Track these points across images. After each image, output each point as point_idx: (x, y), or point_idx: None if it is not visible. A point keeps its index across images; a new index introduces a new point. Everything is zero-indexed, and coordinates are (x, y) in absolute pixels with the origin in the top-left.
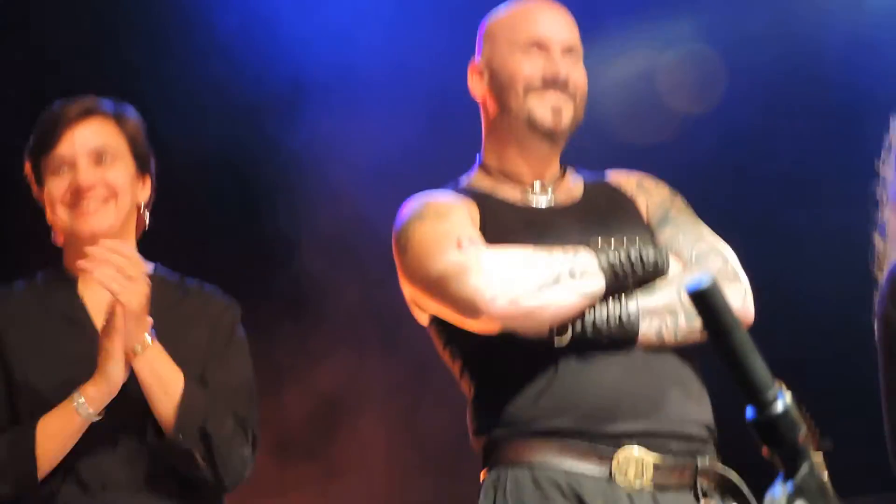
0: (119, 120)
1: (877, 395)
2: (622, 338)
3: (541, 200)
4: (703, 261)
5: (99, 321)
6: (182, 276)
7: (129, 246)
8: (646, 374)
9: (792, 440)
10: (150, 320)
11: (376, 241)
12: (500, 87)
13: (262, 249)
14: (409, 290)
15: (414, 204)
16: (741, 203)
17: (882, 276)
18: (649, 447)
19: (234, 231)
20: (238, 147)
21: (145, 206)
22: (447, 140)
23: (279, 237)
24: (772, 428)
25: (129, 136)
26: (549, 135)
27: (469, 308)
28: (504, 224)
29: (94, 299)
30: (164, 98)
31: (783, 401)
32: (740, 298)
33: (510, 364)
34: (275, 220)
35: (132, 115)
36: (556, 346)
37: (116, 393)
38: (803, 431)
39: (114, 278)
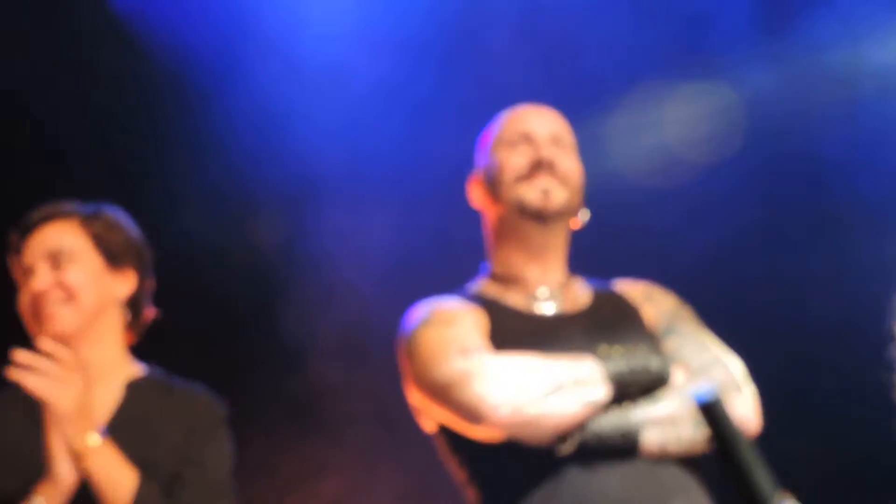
0: (85, 220)
1: None
2: (625, 447)
3: (547, 307)
4: (708, 371)
5: None
6: (171, 377)
7: (60, 347)
8: (649, 485)
9: None
10: (95, 420)
11: (385, 345)
12: (492, 183)
13: (271, 352)
14: (415, 397)
15: (421, 310)
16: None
17: None
18: None
19: (242, 332)
20: (246, 245)
21: (131, 303)
22: (456, 238)
23: (287, 340)
24: None
25: (94, 234)
26: (539, 216)
27: (473, 415)
28: (510, 331)
29: None
30: (173, 197)
31: None
32: (745, 408)
33: (514, 472)
34: (283, 321)
35: (107, 214)
36: (559, 454)
37: (70, 491)
38: None
39: (40, 383)
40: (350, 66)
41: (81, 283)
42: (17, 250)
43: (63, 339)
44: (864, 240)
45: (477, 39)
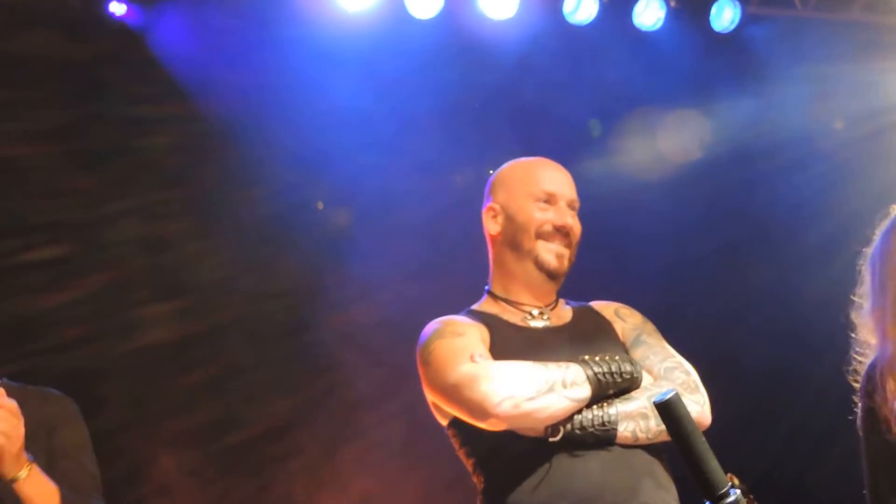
0: None
1: None
2: (604, 437)
3: (538, 323)
4: (669, 375)
5: None
6: (23, 384)
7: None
8: (624, 468)
9: None
10: (25, 455)
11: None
12: (514, 229)
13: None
14: (430, 397)
15: (435, 325)
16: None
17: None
18: None
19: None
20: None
21: None
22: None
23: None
24: None
25: None
26: (553, 276)
27: (479, 410)
28: (508, 342)
29: None
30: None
31: (734, 496)
32: (700, 406)
33: (513, 460)
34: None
35: None
36: (549, 442)
37: None
38: None
39: None
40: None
41: None
42: None
43: None
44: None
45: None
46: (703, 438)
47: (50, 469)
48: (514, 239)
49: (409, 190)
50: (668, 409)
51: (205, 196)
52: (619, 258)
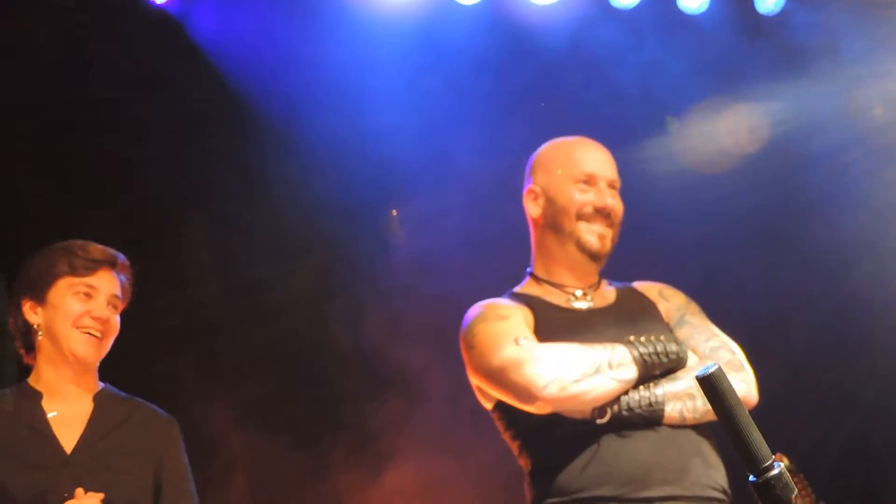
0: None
1: None
2: (651, 417)
3: (581, 304)
4: (715, 354)
5: (59, 432)
6: (129, 395)
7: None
8: (672, 448)
9: (786, 500)
10: None
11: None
12: (555, 211)
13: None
14: (475, 381)
15: (478, 308)
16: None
17: None
18: None
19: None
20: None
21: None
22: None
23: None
24: (769, 490)
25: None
26: (595, 257)
27: (525, 394)
28: (553, 324)
29: (57, 413)
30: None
31: (778, 468)
32: (746, 385)
33: (560, 442)
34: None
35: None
36: (597, 424)
37: None
38: (795, 493)
39: None
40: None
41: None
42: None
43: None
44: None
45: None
46: (747, 412)
47: (157, 496)
48: (554, 221)
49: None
50: (711, 383)
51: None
52: (659, 240)
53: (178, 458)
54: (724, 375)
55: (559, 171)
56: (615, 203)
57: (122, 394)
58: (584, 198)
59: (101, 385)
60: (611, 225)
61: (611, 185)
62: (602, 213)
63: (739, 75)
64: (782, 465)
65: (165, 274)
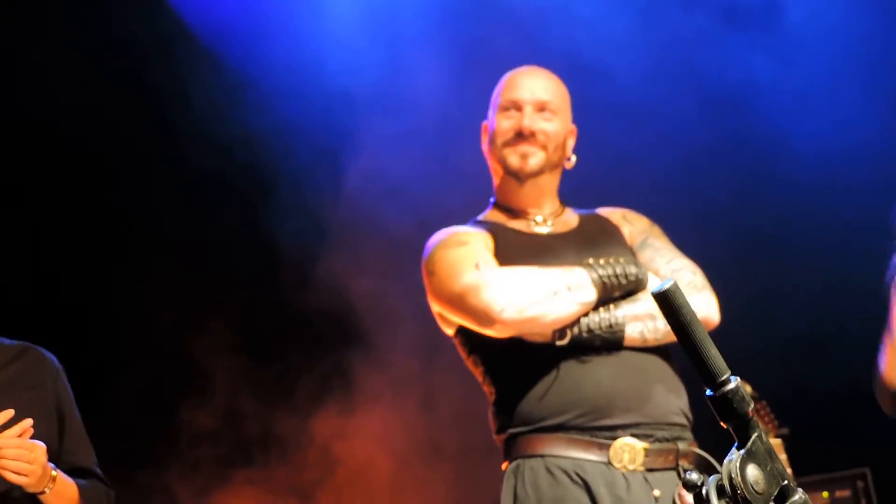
0: None
1: None
2: (612, 339)
3: (543, 229)
4: (676, 275)
5: None
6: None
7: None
8: (634, 374)
9: (742, 414)
10: (49, 468)
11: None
12: (490, 142)
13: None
14: (435, 307)
15: (439, 235)
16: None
17: None
18: (639, 436)
19: None
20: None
21: None
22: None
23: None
24: (725, 403)
25: None
26: (517, 177)
27: (484, 318)
28: (514, 248)
29: None
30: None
31: (735, 382)
32: (707, 305)
33: (520, 368)
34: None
35: None
36: (557, 347)
37: None
38: (751, 407)
39: (10, 470)
40: None
41: None
42: None
43: None
44: None
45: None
46: (703, 328)
47: (60, 432)
48: (492, 152)
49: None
50: (666, 298)
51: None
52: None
53: (69, 395)
54: (680, 291)
55: (494, 103)
56: (544, 124)
57: (11, 341)
58: (507, 124)
59: None
60: (537, 144)
61: (539, 108)
62: (522, 135)
63: None
64: (738, 379)
65: None
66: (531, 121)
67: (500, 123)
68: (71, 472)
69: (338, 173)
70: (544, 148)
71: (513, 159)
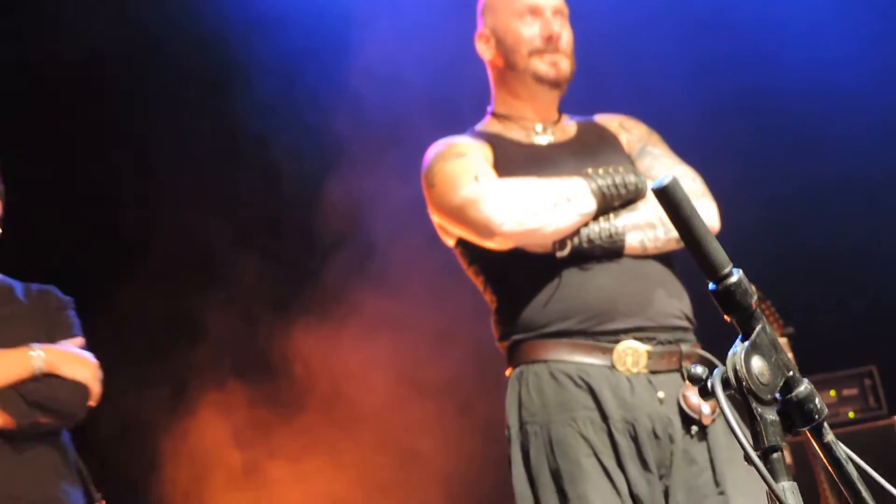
0: None
1: None
2: (612, 248)
3: (542, 139)
4: None
5: None
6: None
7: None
8: (635, 279)
9: (746, 306)
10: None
11: None
12: (506, 50)
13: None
14: (436, 218)
15: (438, 146)
16: None
17: None
18: (642, 339)
19: None
20: None
21: None
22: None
23: None
24: (729, 296)
25: None
26: (555, 84)
27: (484, 230)
28: (513, 159)
29: None
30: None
31: (737, 274)
32: (707, 211)
33: (522, 277)
34: None
35: None
36: (557, 258)
37: None
38: (755, 299)
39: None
40: None
41: None
42: None
43: None
44: None
45: None
46: (704, 222)
47: None
48: (508, 60)
49: None
50: (666, 194)
51: None
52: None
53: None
54: (680, 186)
55: (504, 9)
56: (564, 30)
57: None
58: (531, 31)
59: None
60: (565, 53)
61: (557, 13)
62: (551, 42)
63: None
64: (740, 271)
65: None
66: (557, 26)
67: (521, 31)
68: None
69: None
70: (568, 55)
71: (544, 68)
